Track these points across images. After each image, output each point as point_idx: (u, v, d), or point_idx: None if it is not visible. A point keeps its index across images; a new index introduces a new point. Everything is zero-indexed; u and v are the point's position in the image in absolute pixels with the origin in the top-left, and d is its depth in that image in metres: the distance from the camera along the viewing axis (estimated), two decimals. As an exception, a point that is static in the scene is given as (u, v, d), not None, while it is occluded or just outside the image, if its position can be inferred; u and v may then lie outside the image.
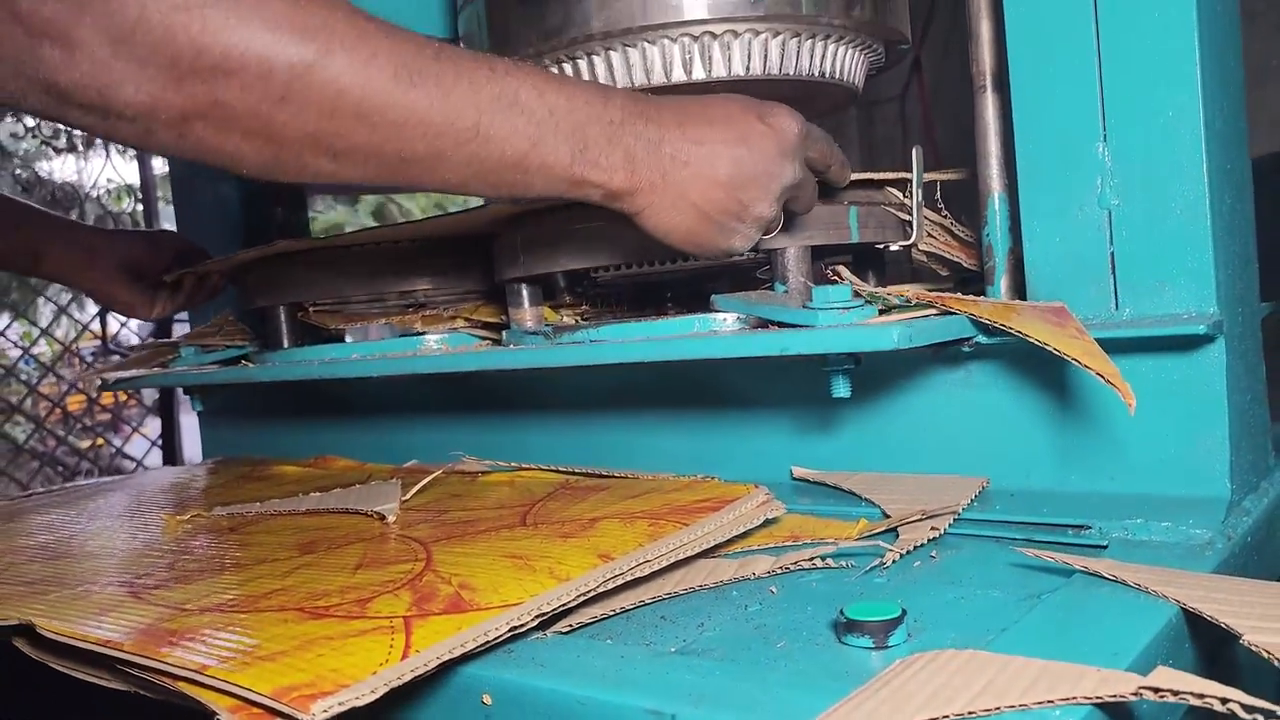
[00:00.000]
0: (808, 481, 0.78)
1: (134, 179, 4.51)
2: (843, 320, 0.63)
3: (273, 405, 1.20)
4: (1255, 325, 0.69)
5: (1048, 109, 0.65)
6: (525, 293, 0.83)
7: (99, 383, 1.10)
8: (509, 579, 0.53)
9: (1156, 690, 0.38)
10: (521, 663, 0.49)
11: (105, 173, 4.38)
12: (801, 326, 0.64)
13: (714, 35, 0.72)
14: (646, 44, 0.73)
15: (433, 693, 0.49)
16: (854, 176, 0.75)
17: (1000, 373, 0.68)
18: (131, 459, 3.98)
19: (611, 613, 0.56)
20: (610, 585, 0.55)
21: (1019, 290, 0.70)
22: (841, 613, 0.49)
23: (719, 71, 0.74)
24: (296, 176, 0.53)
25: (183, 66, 0.46)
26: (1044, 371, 0.67)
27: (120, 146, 4.57)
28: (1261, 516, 0.64)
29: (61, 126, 4.44)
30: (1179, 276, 0.62)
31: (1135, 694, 0.38)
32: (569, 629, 0.54)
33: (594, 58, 0.75)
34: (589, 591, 0.53)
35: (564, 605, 0.52)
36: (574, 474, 0.85)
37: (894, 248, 0.79)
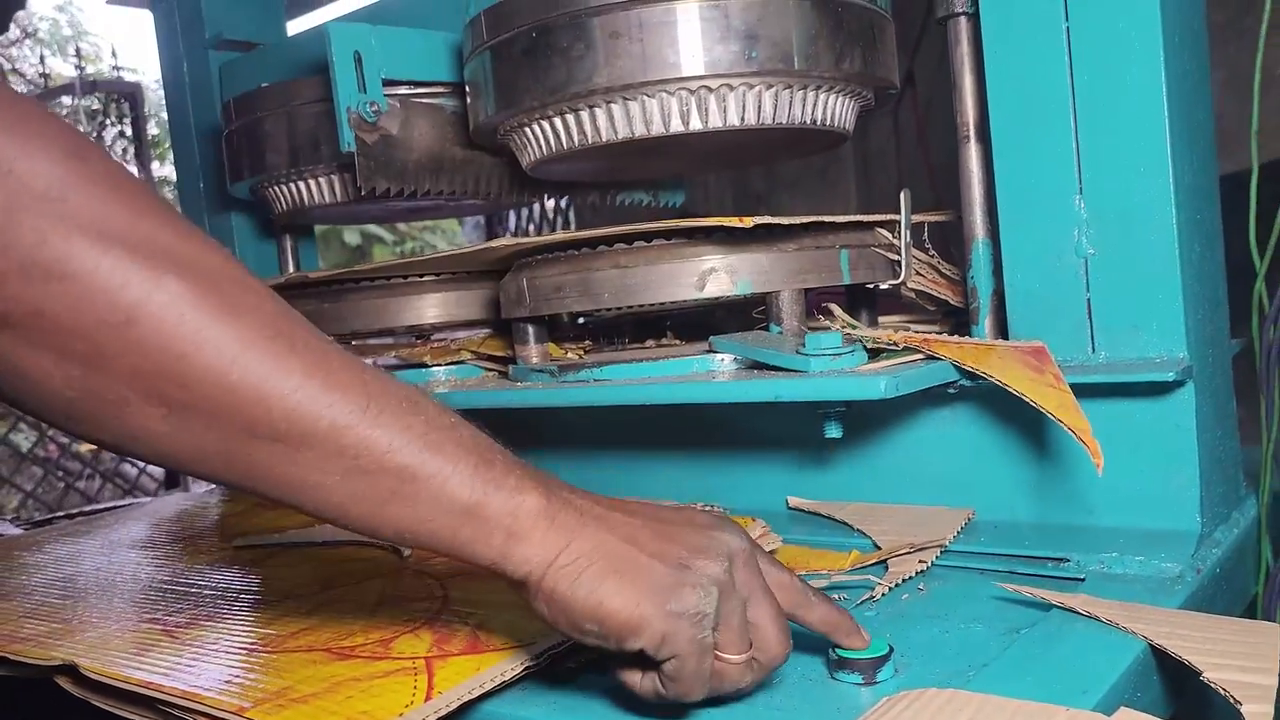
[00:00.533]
0: (803, 511, 0.81)
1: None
2: (834, 366, 0.66)
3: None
4: (1225, 364, 0.73)
5: (1027, 163, 0.69)
6: (531, 331, 0.87)
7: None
8: (521, 617, 0.57)
9: (1118, 730, 0.42)
10: (534, 700, 0.53)
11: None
12: (795, 372, 0.67)
13: (710, 89, 0.76)
14: (646, 97, 0.77)
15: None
16: (843, 219, 0.78)
17: (983, 411, 0.72)
18: (135, 464, 4.02)
19: (616, 646, 0.60)
20: None
21: (1001, 329, 0.74)
22: (832, 650, 0.53)
23: (715, 122, 0.77)
24: (111, 427, 0.43)
25: (11, 261, 0.39)
26: (1025, 411, 0.70)
27: (120, 154, 4.61)
28: (1231, 547, 0.67)
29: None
30: (1151, 322, 0.66)
31: (1099, 733, 0.42)
32: (575, 665, 0.58)
33: (596, 110, 0.78)
34: None
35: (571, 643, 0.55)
36: None
37: (884, 287, 0.82)
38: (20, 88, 4.66)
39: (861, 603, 0.63)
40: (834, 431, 0.70)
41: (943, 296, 0.83)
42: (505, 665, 0.51)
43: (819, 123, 0.82)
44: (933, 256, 0.83)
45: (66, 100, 4.54)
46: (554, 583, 0.46)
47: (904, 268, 0.81)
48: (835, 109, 0.83)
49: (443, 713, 0.48)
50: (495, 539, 0.46)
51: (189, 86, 1.29)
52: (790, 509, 0.82)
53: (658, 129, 0.78)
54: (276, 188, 1.06)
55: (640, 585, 0.46)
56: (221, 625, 0.63)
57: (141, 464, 4.02)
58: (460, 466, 0.45)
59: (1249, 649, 0.50)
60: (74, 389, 0.41)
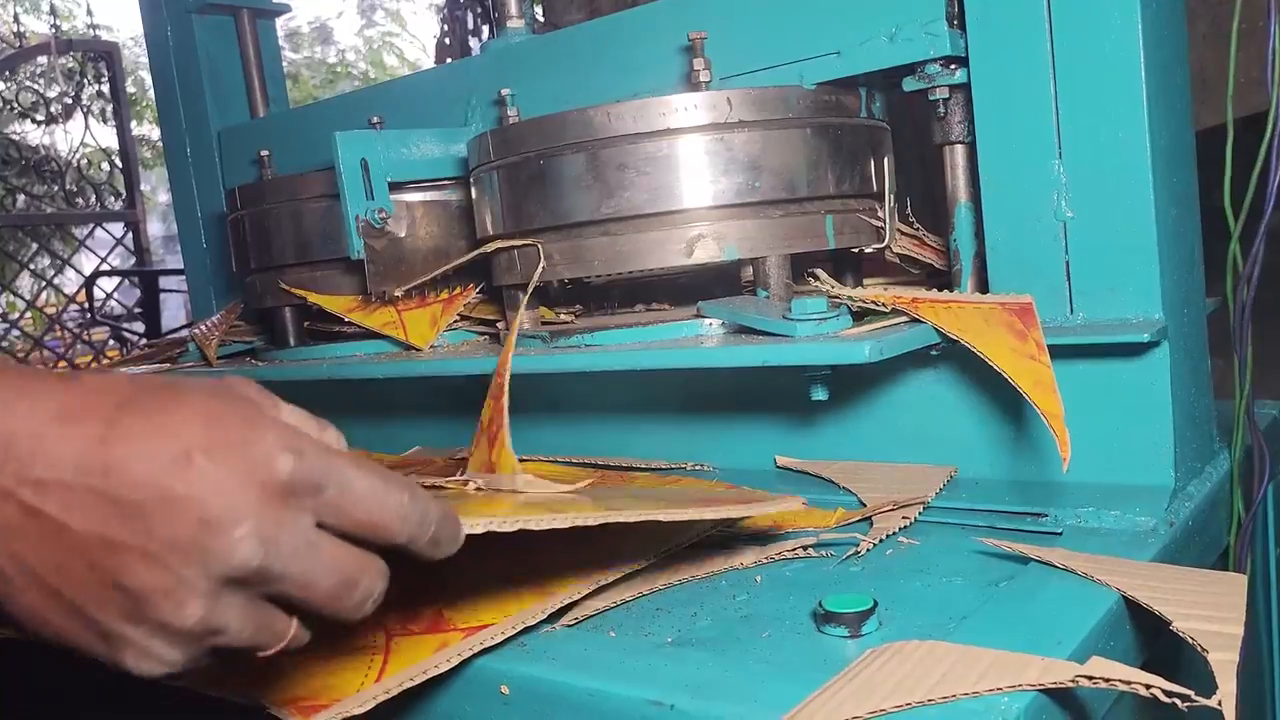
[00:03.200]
0: (791, 470, 0.83)
1: (114, 145, 4.51)
2: (820, 330, 0.68)
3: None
4: (1200, 323, 0.75)
5: (1008, 128, 0.70)
6: (522, 297, 0.88)
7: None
8: (493, 595, 0.59)
9: (1090, 678, 0.44)
10: (535, 656, 0.55)
11: (85, 139, 4.37)
12: (781, 336, 0.69)
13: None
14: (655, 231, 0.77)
15: (457, 682, 0.55)
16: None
17: (965, 372, 0.74)
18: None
19: (612, 605, 0.62)
20: (589, 591, 0.60)
21: (983, 290, 0.75)
22: (820, 604, 0.55)
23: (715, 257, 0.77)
24: None
25: None
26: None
27: (98, 114, 4.55)
28: (1204, 500, 0.70)
29: (40, 99, 4.43)
30: (1128, 284, 0.68)
31: (1072, 681, 0.44)
32: (575, 621, 0.60)
33: (601, 238, 0.78)
34: (561, 605, 0.58)
35: (532, 621, 0.57)
36: (607, 467, 0.90)
37: (868, 250, 0.84)
38: (-5, 47, 4.59)
39: (846, 558, 0.65)
40: (819, 394, 0.72)
41: (926, 260, 0.85)
42: (462, 646, 0.53)
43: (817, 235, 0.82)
44: (917, 229, 0.85)
45: (42, 60, 4.49)
46: None
47: (888, 233, 0.83)
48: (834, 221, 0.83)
49: (393, 693, 0.49)
50: None
51: (173, 52, 1.29)
52: (779, 468, 0.85)
53: (657, 263, 0.78)
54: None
55: (72, 630, 0.38)
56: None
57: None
58: None
59: (1216, 599, 0.52)
60: None
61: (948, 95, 0.74)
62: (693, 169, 0.75)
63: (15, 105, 4.37)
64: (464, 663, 0.54)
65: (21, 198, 4.54)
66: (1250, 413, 0.74)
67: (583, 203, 0.77)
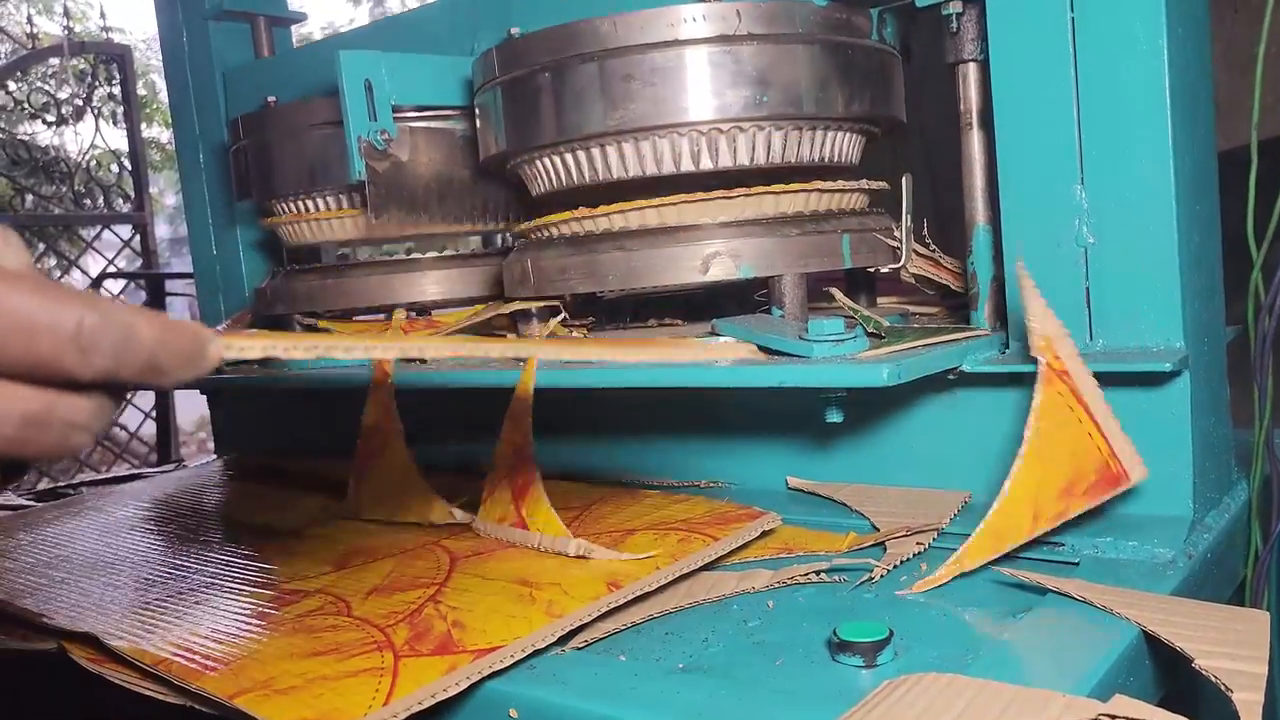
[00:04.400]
0: (803, 492, 0.83)
1: (123, 147, 4.51)
2: (837, 352, 0.67)
3: (281, 407, 1.24)
4: (1220, 352, 0.74)
5: (1029, 152, 0.70)
6: (534, 310, 0.88)
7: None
8: (502, 615, 0.58)
9: (1114, 717, 0.43)
10: (544, 679, 0.54)
11: (95, 141, 4.37)
12: (797, 357, 0.68)
13: (721, 131, 0.76)
14: (657, 138, 0.76)
15: (466, 705, 0.54)
16: (840, 187, 0.79)
17: (982, 396, 0.73)
18: (124, 428, 4.02)
19: (623, 627, 0.61)
20: (599, 614, 0.59)
21: (1000, 315, 0.75)
22: (835, 633, 0.54)
23: (725, 162, 0.77)
24: None
25: None
26: (1022, 398, 0.71)
27: (107, 115, 4.56)
28: (1222, 531, 0.69)
29: (52, 100, 4.44)
30: (1149, 311, 0.67)
31: (1095, 720, 0.43)
32: (585, 644, 0.59)
33: (607, 149, 0.78)
34: (570, 628, 0.58)
35: (542, 644, 0.56)
36: (617, 484, 0.89)
37: (884, 270, 0.83)
38: (6, 48, 4.61)
39: (860, 584, 0.65)
40: (835, 416, 0.71)
41: (943, 281, 0.84)
42: (471, 669, 0.52)
43: (826, 161, 0.82)
44: (933, 250, 0.84)
45: (54, 61, 4.49)
46: None
47: (904, 252, 0.82)
48: (842, 147, 0.83)
49: (400, 717, 0.49)
50: None
51: (188, 57, 1.29)
52: (790, 489, 0.84)
53: (669, 168, 0.78)
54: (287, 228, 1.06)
55: None
56: (228, 605, 0.65)
57: (131, 429, 4.02)
58: None
59: (1239, 637, 0.51)
60: None
61: (960, 10, 0.73)
62: (699, 80, 0.74)
63: (27, 106, 4.37)
64: (472, 685, 0.53)
65: (30, 198, 4.55)
66: (1270, 443, 0.73)
67: (587, 115, 0.76)
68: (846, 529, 0.74)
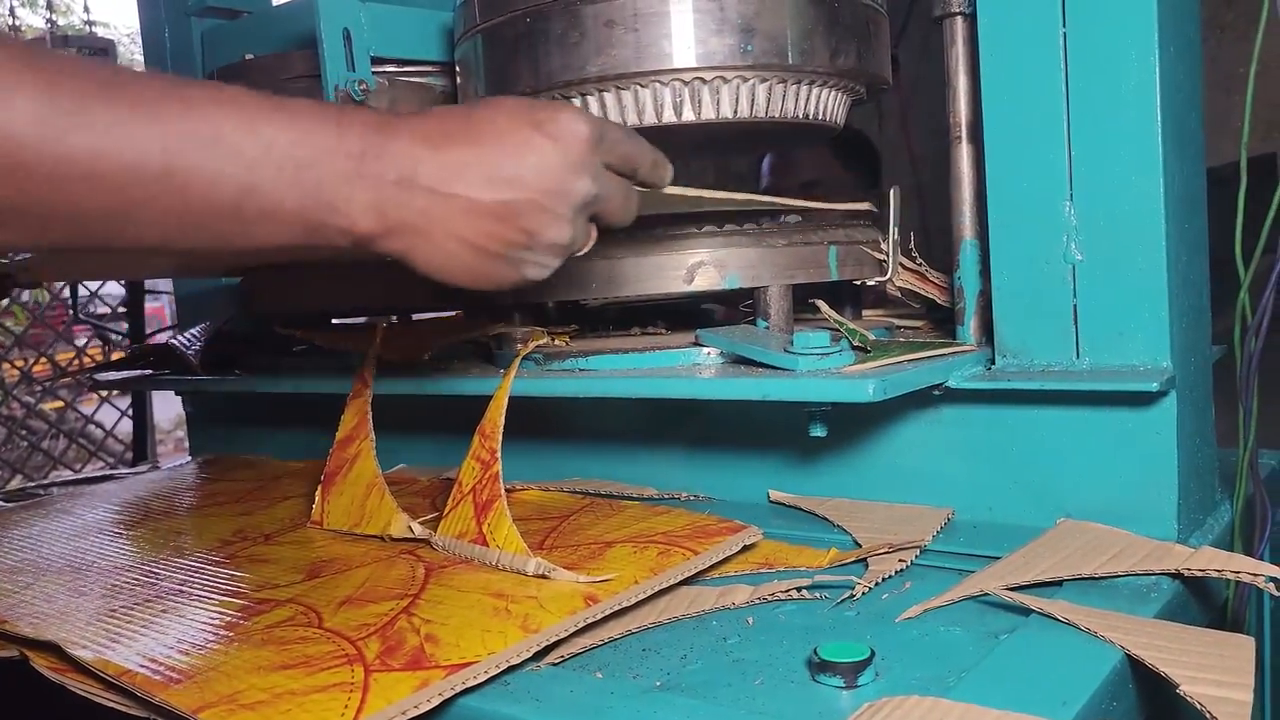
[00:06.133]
0: (785, 505, 0.82)
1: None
2: (821, 365, 0.66)
3: (259, 409, 1.22)
4: (1206, 371, 0.73)
5: (1019, 167, 0.69)
6: (517, 317, 0.86)
7: (90, 383, 1.12)
8: (477, 629, 0.57)
9: (1097, 745, 0.42)
10: (519, 696, 0.53)
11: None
12: (781, 369, 0.67)
13: (704, 81, 0.75)
14: (639, 87, 0.76)
15: (435, 722, 0.53)
16: (825, 206, 0.78)
17: (967, 414, 0.73)
18: (100, 426, 3.98)
19: (599, 643, 0.60)
20: (574, 630, 0.58)
21: (987, 330, 0.74)
22: (815, 652, 0.53)
23: (707, 114, 0.77)
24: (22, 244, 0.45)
25: None
26: (1007, 415, 0.71)
27: None
28: (1206, 553, 0.68)
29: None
30: (1137, 330, 0.66)
31: (1078, 748, 0.43)
32: (560, 660, 0.58)
33: (588, 98, 0.77)
34: (545, 643, 0.56)
35: (516, 659, 0.54)
36: (593, 494, 0.88)
37: (871, 283, 0.83)
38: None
39: (841, 602, 0.64)
40: (818, 431, 0.70)
41: (929, 295, 0.84)
42: (444, 685, 0.51)
43: (811, 117, 0.82)
44: (919, 264, 0.84)
45: (37, 54, 4.45)
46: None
47: (891, 265, 0.82)
48: (828, 103, 0.82)
49: None
50: (341, 243, 0.51)
51: (170, 53, 1.27)
52: (772, 503, 0.83)
53: (650, 119, 0.77)
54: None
55: (489, 268, 0.55)
56: (196, 614, 0.63)
57: (107, 426, 3.98)
58: (286, 201, 0.48)
59: (1224, 663, 0.51)
60: None
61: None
62: (682, 26, 0.74)
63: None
64: (448, 703, 0.52)
65: None
66: (1254, 464, 0.73)
67: (567, 62, 0.75)
68: (828, 544, 0.73)
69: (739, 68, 0.75)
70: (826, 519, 0.77)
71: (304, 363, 1.00)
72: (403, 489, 0.92)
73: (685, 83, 0.76)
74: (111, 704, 0.55)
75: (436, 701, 0.50)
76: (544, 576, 0.64)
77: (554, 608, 0.59)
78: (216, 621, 0.62)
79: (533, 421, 0.96)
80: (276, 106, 0.48)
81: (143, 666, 0.55)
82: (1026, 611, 0.58)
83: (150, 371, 1.13)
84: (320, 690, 0.51)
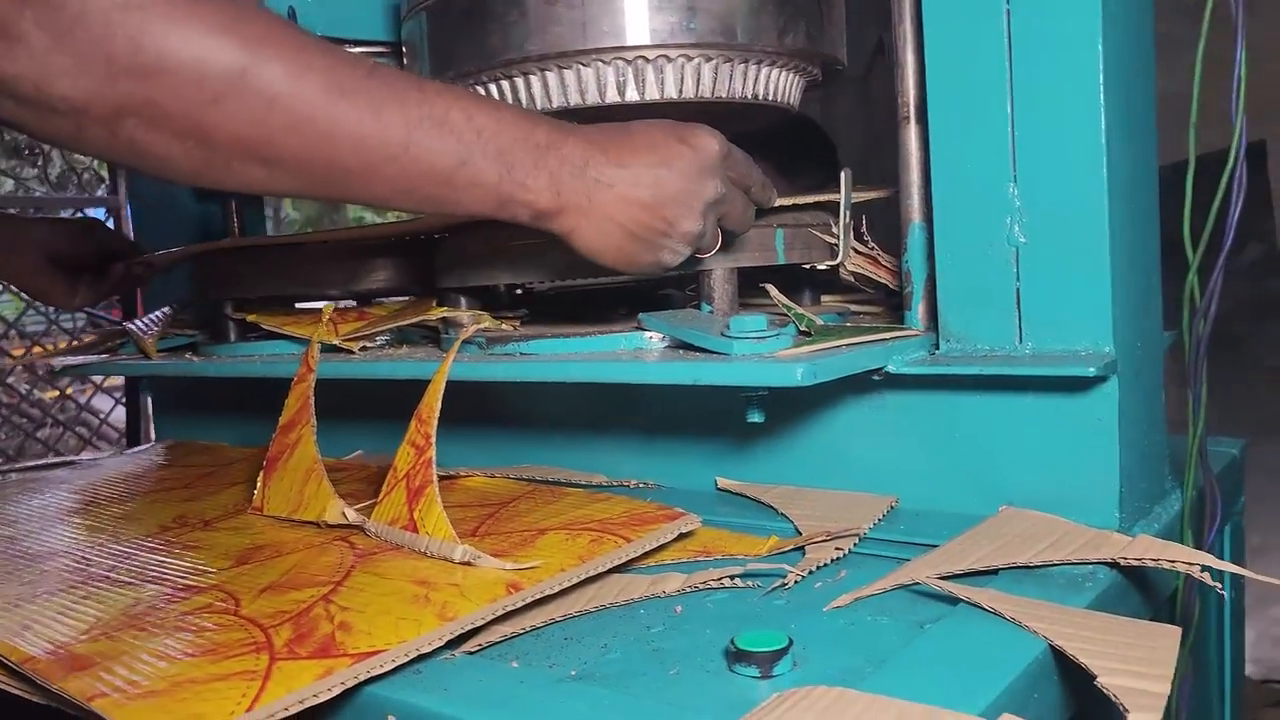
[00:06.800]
0: (731, 493, 0.80)
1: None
2: (757, 350, 0.65)
3: (220, 395, 1.21)
4: (1156, 357, 0.72)
5: (963, 147, 0.68)
6: (463, 301, 0.85)
7: (52, 368, 1.11)
8: (393, 617, 0.55)
9: (997, 738, 0.41)
10: (427, 685, 0.52)
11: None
12: (717, 354, 0.66)
13: (647, 60, 0.74)
14: (581, 66, 0.75)
15: (344, 710, 0.52)
16: (781, 201, 0.77)
17: (910, 400, 0.71)
18: (96, 414, 3.98)
19: (523, 631, 0.59)
20: (492, 618, 0.57)
21: (934, 316, 0.73)
22: (732, 642, 0.52)
23: (652, 94, 0.75)
24: (228, 183, 0.55)
25: (119, 64, 0.48)
26: (950, 401, 0.69)
27: None
28: (1151, 542, 0.67)
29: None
30: (1078, 315, 0.65)
31: (977, 741, 0.41)
32: (478, 648, 0.57)
33: (530, 78, 0.76)
34: (459, 632, 0.55)
35: (427, 648, 0.53)
36: (537, 480, 0.86)
37: (821, 268, 0.81)
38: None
39: (772, 590, 0.62)
40: (755, 417, 0.69)
41: (881, 280, 0.82)
42: (347, 673, 0.50)
43: (761, 98, 0.80)
44: (872, 248, 0.82)
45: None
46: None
47: (842, 250, 0.80)
48: (778, 84, 0.81)
49: None
50: (522, 216, 0.63)
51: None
52: (719, 490, 0.82)
53: (593, 99, 0.76)
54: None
55: (632, 250, 0.66)
56: (116, 600, 0.62)
57: (102, 414, 3.98)
58: (488, 175, 0.60)
59: (1148, 653, 0.49)
60: (194, 159, 0.53)
61: None
62: (624, 2, 0.73)
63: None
64: (354, 691, 0.51)
65: (10, 182, 4.49)
66: (1203, 452, 0.72)
67: (509, 40, 0.74)
68: (769, 532, 0.72)
69: (683, 46, 0.74)
70: (771, 506, 0.76)
71: (259, 347, 0.99)
72: (350, 475, 0.90)
73: (628, 61, 0.74)
74: (16, 691, 0.54)
75: (338, 690, 0.49)
76: (469, 564, 0.63)
77: (475, 595, 0.58)
78: (135, 608, 0.61)
79: (489, 407, 0.95)
80: (487, 102, 0.61)
81: (49, 653, 0.54)
82: (954, 601, 0.57)
83: (105, 356, 1.11)
84: (222, 679, 0.50)
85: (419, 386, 0.77)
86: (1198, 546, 0.73)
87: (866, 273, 0.82)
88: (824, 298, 0.94)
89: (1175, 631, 0.52)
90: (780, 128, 1.23)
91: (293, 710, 0.47)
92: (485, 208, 0.62)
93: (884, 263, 0.82)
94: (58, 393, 3.65)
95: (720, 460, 0.83)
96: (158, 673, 0.51)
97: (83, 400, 3.61)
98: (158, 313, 1.15)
